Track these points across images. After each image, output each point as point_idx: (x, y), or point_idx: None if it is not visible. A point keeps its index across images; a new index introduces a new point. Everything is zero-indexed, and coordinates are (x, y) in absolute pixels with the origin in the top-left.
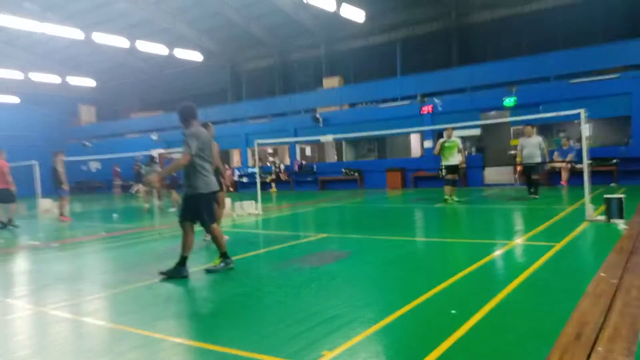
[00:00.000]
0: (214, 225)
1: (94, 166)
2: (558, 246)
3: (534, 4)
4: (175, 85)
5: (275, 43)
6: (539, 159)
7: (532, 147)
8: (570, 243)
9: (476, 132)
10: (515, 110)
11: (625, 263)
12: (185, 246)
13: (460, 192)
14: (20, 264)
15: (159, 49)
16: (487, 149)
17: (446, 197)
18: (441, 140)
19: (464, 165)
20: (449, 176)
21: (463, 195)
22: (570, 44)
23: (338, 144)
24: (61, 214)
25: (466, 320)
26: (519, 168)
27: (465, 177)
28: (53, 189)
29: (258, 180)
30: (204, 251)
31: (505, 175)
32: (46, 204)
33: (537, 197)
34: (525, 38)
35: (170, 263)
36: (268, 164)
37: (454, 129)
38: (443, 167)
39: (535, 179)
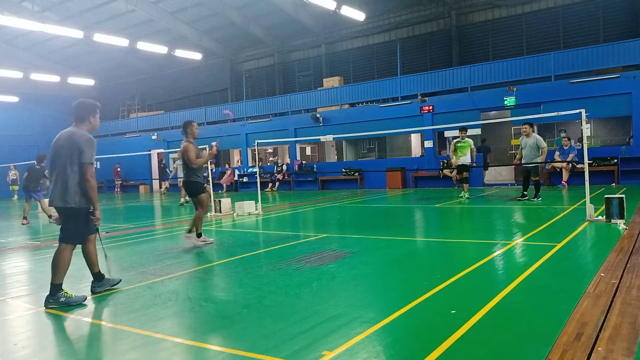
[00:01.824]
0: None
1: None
2: (558, 246)
3: (534, 4)
4: (175, 85)
5: (275, 43)
6: (538, 159)
7: (529, 147)
8: (570, 243)
9: (477, 131)
10: (516, 109)
11: (625, 263)
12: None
13: (460, 191)
14: (20, 264)
15: (159, 49)
16: (486, 148)
17: (463, 193)
18: (455, 140)
19: (473, 165)
20: (458, 175)
21: (458, 195)
22: (570, 44)
23: (338, 143)
24: (50, 216)
25: (466, 320)
26: (516, 162)
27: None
28: (31, 191)
29: (258, 180)
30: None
31: (505, 175)
32: (46, 204)
33: (537, 199)
34: (525, 38)
35: (170, 262)
36: (268, 164)
37: (465, 129)
38: (455, 165)
39: (536, 180)
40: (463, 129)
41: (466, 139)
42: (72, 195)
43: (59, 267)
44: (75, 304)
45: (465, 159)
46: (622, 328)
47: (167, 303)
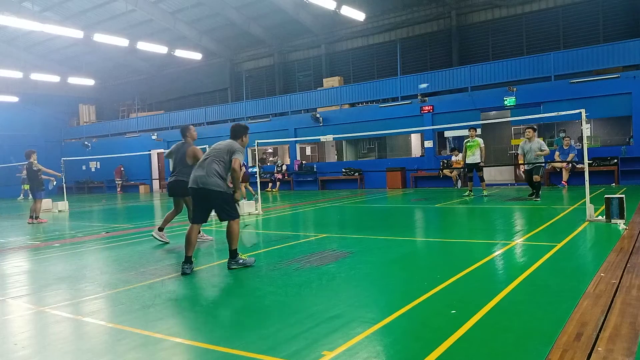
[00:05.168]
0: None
1: (94, 165)
2: (558, 246)
3: (534, 4)
4: (175, 85)
5: (275, 43)
6: (540, 160)
7: (533, 152)
8: (570, 243)
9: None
10: (516, 110)
11: (626, 263)
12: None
13: (461, 191)
14: (20, 263)
15: (159, 49)
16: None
17: (470, 193)
18: (465, 140)
19: (482, 164)
20: (470, 174)
21: (463, 194)
22: (570, 44)
23: (338, 143)
24: (36, 217)
25: (466, 320)
26: (521, 168)
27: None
28: (33, 190)
29: (258, 180)
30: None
31: (505, 175)
32: (46, 204)
33: (537, 199)
34: (525, 38)
35: (170, 262)
36: (268, 164)
37: (474, 128)
38: (465, 164)
39: (537, 181)
40: (472, 129)
41: (475, 138)
42: (217, 181)
43: (233, 237)
44: (250, 265)
45: (475, 158)
46: (622, 328)
47: (167, 303)
